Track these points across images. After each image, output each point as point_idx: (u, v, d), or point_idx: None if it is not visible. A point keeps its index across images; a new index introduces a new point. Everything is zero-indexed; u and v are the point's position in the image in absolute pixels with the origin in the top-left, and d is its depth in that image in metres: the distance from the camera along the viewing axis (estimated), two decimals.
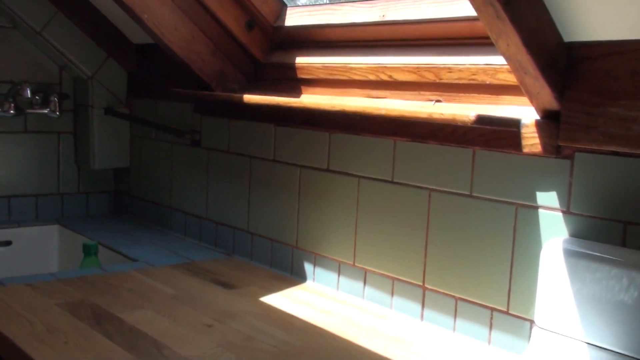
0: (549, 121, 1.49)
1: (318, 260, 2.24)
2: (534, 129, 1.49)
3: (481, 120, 1.53)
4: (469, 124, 1.54)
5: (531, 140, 1.52)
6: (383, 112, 1.74)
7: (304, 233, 2.29)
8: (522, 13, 1.34)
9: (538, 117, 1.52)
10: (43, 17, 2.81)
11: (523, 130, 1.53)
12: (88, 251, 2.43)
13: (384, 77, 2.08)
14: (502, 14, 1.33)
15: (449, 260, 1.82)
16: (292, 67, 2.41)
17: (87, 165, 3.04)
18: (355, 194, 2.11)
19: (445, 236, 1.83)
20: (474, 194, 1.75)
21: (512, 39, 1.38)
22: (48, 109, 2.93)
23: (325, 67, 2.29)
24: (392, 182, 1.99)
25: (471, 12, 1.87)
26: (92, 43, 2.93)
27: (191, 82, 2.61)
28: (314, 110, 2.04)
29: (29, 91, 2.81)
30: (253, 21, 2.50)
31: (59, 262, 2.95)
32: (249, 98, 2.20)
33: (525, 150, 1.53)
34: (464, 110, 1.56)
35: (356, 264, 2.11)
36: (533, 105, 1.54)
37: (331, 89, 2.29)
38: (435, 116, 1.60)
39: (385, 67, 2.07)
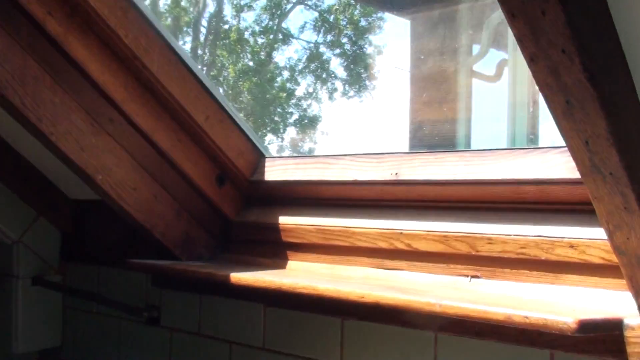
0: None
1: None
2: None
3: (585, 328, 1.19)
4: (569, 333, 1.19)
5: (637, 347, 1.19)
6: (437, 308, 1.37)
7: None
8: None
9: None
10: None
11: (627, 334, 1.20)
12: None
13: (400, 246, 1.73)
14: (634, 205, 1.02)
15: None
16: (274, 228, 2.03)
17: (6, 350, 2.45)
18: None
19: None
20: None
21: (638, 233, 1.07)
22: None
23: (319, 230, 1.92)
24: None
25: (514, 174, 1.58)
26: (18, 200, 2.43)
27: (147, 246, 2.16)
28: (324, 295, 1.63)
29: None
30: (225, 175, 2.12)
31: None
32: (237, 278, 1.77)
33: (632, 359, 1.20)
34: (558, 314, 1.21)
35: None
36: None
37: (328, 256, 1.92)
38: (517, 319, 1.24)
39: (401, 233, 1.73)
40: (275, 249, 2.05)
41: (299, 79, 22.27)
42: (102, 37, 1.78)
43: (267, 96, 20.78)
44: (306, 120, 22.24)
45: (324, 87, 22.09)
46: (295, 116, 22.17)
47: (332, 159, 1.93)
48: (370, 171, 1.83)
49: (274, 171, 2.07)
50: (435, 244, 1.67)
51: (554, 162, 1.47)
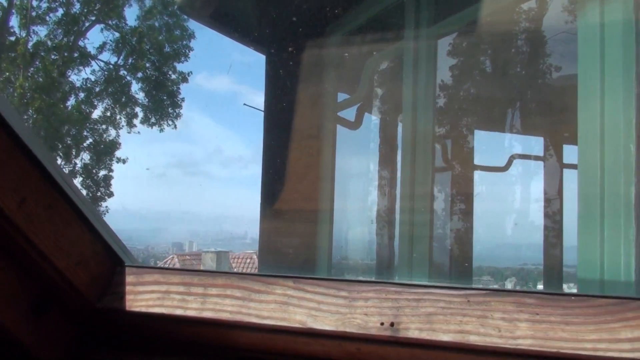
0: None
1: None
2: None
3: None
4: None
5: None
6: None
7: None
8: None
9: None
10: None
11: None
12: None
13: None
14: None
15: None
16: None
17: None
18: None
19: None
20: None
21: None
22: None
23: None
24: None
25: None
26: None
27: None
28: None
29: None
30: (47, 299, 1.18)
31: None
32: None
33: None
34: None
35: None
36: None
37: None
38: None
39: None
40: None
41: (95, 102, 20.60)
42: None
43: (59, 117, 18.83)
44: (102, 146, 20.55)
45: (123, 111, 20.59)
46: (90, 140, 20.40)
47: (258, 282, 1.10)
48: (333, 313, 1.03)
49: (142, 295, 1.18)
50: None
51: None
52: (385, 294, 1.02)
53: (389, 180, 4.32)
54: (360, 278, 1.04)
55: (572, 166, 6.14)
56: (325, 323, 1.02)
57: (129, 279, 1.20)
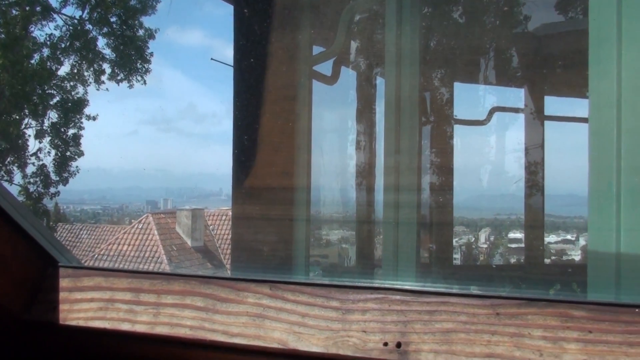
0: None
1: None
2: None
3: None
4: None
5: None
6: None
7: None
8: None
9: None
10: None
11: None
12: None
13: None
14: None
15: None
16: None
17: None
18: None
19: None
20: None
21: None
22: None
23: None
24: None
25: None
26: None
27: None
28: None
29: None
30: None
31: None
32: None
33: None
34: None
35: None
36: None
37: None
38: None
39: None
40: None
41: (61, 58, 19.98)
42: None
43: (24, 75, 18.26)
44: (70, 104, 20.04)
45: (90, 68, 20.01)
46: (57, 98, 19.84)
47: (226, 287, 0.87)
48: (322, 330, 0.80)
49: (80, 304, 0.94)
50: None
51: None
52: (388, 304, 0.79)
53: (370, 136, 4.09)
54: (356, 282, 0.81)
55: (554, 118, 5.98)
56: (312, 343, 0.79)
57: (63, 283, 0.95)
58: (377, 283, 0.81)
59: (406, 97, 2.55)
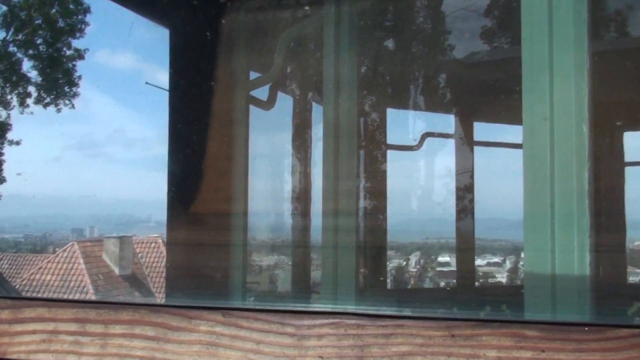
0: None
1: None
2: None
3: None
4: None
5: None
6: None
7: None
8: None
9: None
10: None
11: None
12: None
13: None
14: None
15: None
16: None
17: None
18: None
19: None
20: None
21: None
22: None
23: None
24: None
25: None
26: None
27: None
28: None
29: None
30: None
31: None
32: None
33: None
34: None
35: None
36: None
37: None
38: None
39: None
40: None
41: None
42: None
43: None
44: None
45: (15, 91, 19.37)
46: None
47: (177, 315, 0.85)
48: (277, 357, 0.80)
49: (21, 336, 0.89)
50: None
51: None
52: (344, 328, 0.79)
53: (306, 161, 4.10)
54: (310, 307, 0.81)
55: (483, 143, 6.18)
56: None
57: (3, 314, 0.91)
58: (330, 307, 0.81)
59: (345, 123, 2.58)
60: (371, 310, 0.79)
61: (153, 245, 18.42)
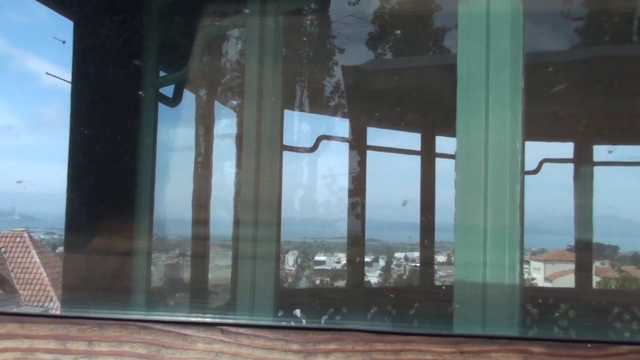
0: None
1: None
2: None
3: None
4: None
5: None
6: None
7: None
8: None
9: None
10: None
11: None
12: None
13: None
14: None
15: None
16: None
17: None
18: None
19: None
20: None
21: None
22: None
23: None
24: None
25: None
26: None
27: None
28: None
29: None
30: None
31: None
32: None
33: None
34: None
35: None
36: None
37: None
38: None
39: None
40: None
41: None
42: None
43: None
44: None
45: None
46: None
47: (170, 333, 0.80)
48: None
49: None
50: None
51: None
52: (352, 344, 0.78)
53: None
54: (316, 324, 0.79)
55: (375, 148, 6.34)
56: None
57: None
58: (337, 324, 0.80)
59: (247, 125, 2.55)
60: (379, 326, 0.78)
61: (18, 239, 17.30)
